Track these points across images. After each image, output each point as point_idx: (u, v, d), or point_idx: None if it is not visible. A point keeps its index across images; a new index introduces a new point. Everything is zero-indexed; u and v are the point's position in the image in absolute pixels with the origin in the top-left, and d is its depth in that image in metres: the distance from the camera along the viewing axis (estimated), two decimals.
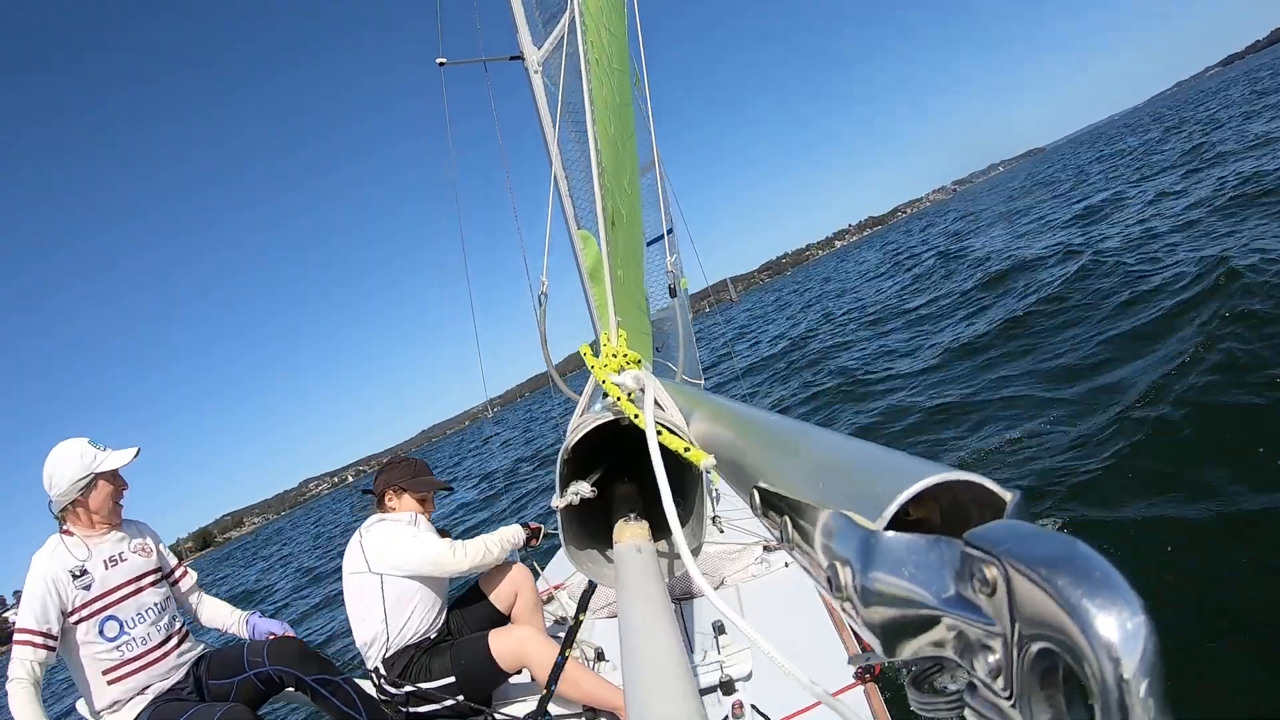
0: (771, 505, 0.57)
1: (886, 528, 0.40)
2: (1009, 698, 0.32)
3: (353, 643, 2.60)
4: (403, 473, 2.80)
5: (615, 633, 2.85)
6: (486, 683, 2.47)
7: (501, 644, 2.44)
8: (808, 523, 0.50)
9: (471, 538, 2.83)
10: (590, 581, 1.89)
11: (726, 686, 2.24)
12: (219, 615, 2.71)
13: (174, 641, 2.42)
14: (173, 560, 2.61)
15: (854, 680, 2.08)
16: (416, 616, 2.50)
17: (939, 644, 0.37)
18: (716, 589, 2.93)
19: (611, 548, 1.10)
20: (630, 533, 1.08)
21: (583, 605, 2.07)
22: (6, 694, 2.04)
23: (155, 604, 2.39)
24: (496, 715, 2.43)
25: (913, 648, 0.39)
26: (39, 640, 2.13)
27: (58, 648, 2.17)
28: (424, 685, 2.41)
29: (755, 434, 0.68)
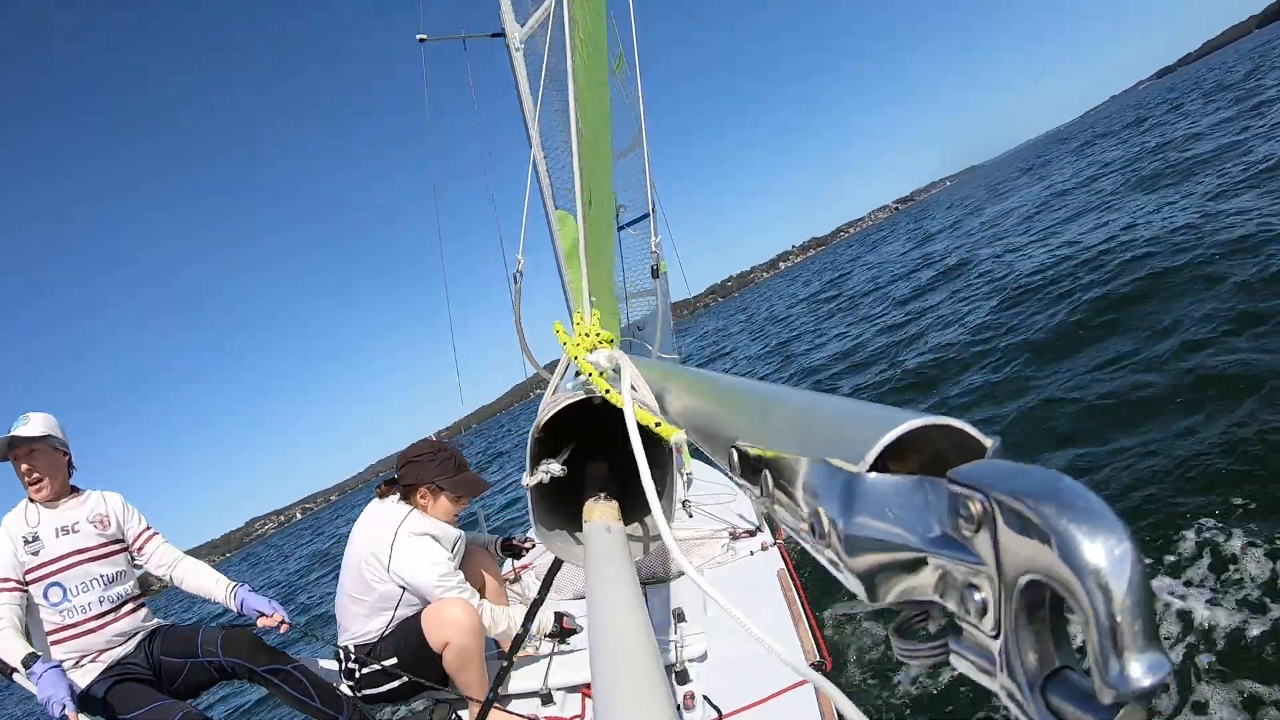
0: (749, 463, 0.56)
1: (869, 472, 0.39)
2: (996, 635, 0.32)
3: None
4: (444, 468, 2.46)
5: (581, 614, 2.84)
6: (427, 664, 2.34)
7: (430, 622, 2.32)
8: (788, 473, 0.49)
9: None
10: (555, 560, 1.88)
11: (681, 676, 2.24)
12: (203, 584, 2.62)
13: (125, 609, 2.47)
14: (136, 529, 2.62)
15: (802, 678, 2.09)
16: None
17: (925, 586, 0.36)
18: (679, 575, 2.93)
19: (581, 528, 1.08)
20: (600, 512, 1.06)
21: (547, 583, 2.05)
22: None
23: (104, 575, 2.45)
24: (443, 692, 2.40)
25: (898, 591, 0.38)
26: (9, 585, 2.32)
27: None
28: (376, 666, 2.38)
29: (731, 398, 0.67)
